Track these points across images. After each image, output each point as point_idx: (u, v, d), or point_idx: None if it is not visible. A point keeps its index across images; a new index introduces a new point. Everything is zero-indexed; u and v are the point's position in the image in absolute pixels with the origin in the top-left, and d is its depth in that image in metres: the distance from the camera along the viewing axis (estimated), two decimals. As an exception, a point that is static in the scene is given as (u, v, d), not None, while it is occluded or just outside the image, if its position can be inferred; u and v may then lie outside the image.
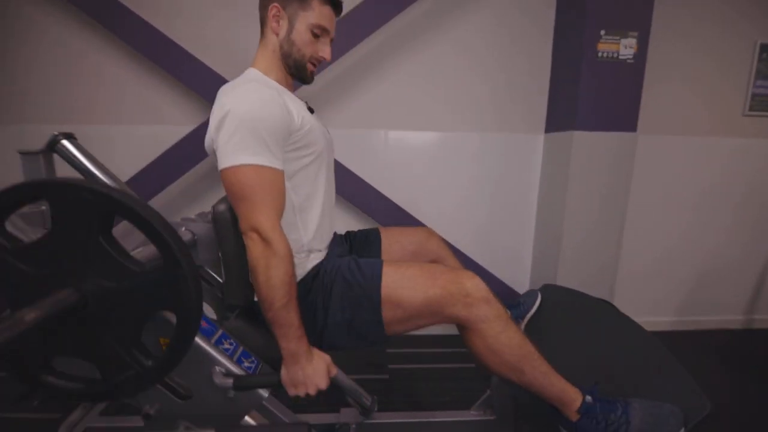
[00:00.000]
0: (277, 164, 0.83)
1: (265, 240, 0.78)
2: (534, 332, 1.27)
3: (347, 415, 1.37)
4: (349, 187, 1.92)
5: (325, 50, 0.99)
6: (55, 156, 1.00)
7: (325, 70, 1.87)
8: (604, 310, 1.17)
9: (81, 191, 0.55)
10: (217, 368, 0.78)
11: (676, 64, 2.05)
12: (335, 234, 1.16)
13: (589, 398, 0.89)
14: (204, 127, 1.78)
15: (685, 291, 2.32)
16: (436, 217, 2.06)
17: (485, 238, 2.18)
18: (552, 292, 1.39)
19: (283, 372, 0.82)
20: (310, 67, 0.99)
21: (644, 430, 0.83)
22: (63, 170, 0.96)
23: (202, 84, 1.77)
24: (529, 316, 1.35)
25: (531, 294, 1.40)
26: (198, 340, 0.79)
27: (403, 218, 1.98)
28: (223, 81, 1.76)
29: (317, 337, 0.92)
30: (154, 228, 0.57)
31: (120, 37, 1.74)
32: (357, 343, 0.93)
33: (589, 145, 1.80)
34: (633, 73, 1.75)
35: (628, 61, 1.74)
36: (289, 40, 0.95)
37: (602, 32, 1.71)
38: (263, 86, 0.88)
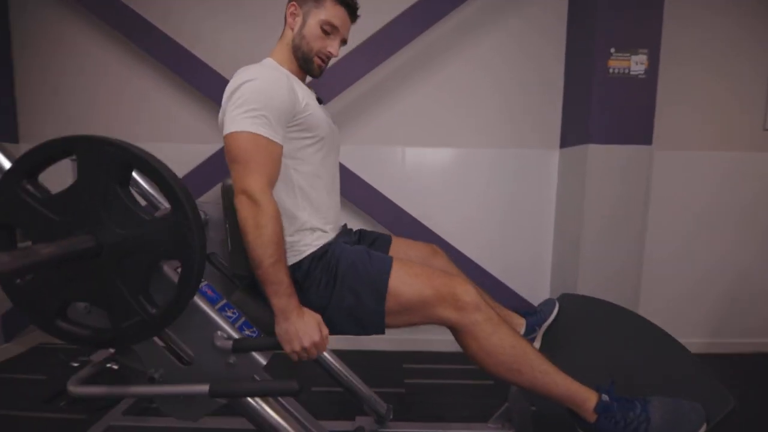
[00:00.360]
0: (275, 137, 0.88)
1: (253, 201, 0.82)
2: (552, 340, 1.25)
3: (363, 423, 1.37)
4: (367, 199, 1.99)
5: (333, 46, 1.04)
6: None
7: (349, 90, 1.98)
8: (622, 313, 1.16)
9: (104, 145, 0.65)
10: (219, 333, 0.81)
11: (696, 83, 2.09)
12: (347, 227, 1.21)
13: (605, 397, 0.87)
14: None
15: (719, 312, 2.22)
16: (452, 231, 2.08)
17: (502, 251, 2.18)
18: (570, 301, 1.38)
19: (277, 329, 0.84)
20: (317, 60, 1.04)
21: (665, 428, 0.80)
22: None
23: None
24: (546, 324, 1.33)
25: (548, 302, 1.38)
26: (202, 305, 0.83)
27: (419, 231, 2.01)
28: None
29: (320, 309, 0.94)
30: (164, 178, 0.66)
31: (156, 59, 1.94)
32: (355, 329, 0.95)
33: (604, 158, 1.81)
34: (645, 88, 1.78)
35: (640, 76, 1.78)
36: (300, 34, 1.02)
37: (612, 50, 1.76)
38: (274, 70, 0.96)
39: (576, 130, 1.96)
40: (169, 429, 1.19)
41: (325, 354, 1.39)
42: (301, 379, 0.79)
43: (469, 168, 2.15)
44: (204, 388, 0.76)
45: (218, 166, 1.92)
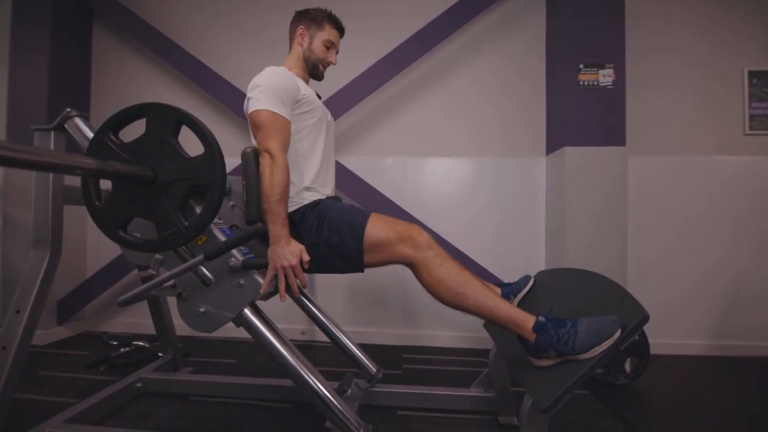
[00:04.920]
0: (284, 113, 1.19)
1: (272, 156, 1.12)
2: (527, 307, 1.40)
3: (355, 381, 1.52)
4: (371, 199, 2.24)
5: (332, 57, 1.42)
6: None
7: (355, 109, 2.31)
8: (583, 274, 1.30)
9: (165, 108, 0.99)
10: (233, 259, 1.09)
11: (679, 89, 2.30)
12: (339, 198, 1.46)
13: (542, 318, 1.03)
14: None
15: (715, 315, 2.24)
16: (453, 233, 2.28)
17: (499, 254, 2.34)
18: (545, 275, 1.53)
19: (269, 251, 1.09)
20: (321, 68, 1.42)
21: (588, 336, 0.95)
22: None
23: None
24: (521, 294, 1.48)
25: (525, 277, 1.54)
26: (221, 237, 1.11)
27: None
28: None
29: (311, 250, 1.16)
30: (202, 130, 0.98)
31: (193, 81, 2.36)
32: (340, 264, 1.17)
33: (579, 158, 2.01)
34: (614, 97, 2.01)
35: (608, 87, 2.01)
36: (309, 49, 1.39)
37: (581, 66, 2.02)
38: (281, 70, 1.28)
39: (556, 137, 2.18)
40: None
41: (327, 323, 1.59)
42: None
43: (467, 176, 2.40)
44: (200, 258, 1.02)
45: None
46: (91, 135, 1.19)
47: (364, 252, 1.14)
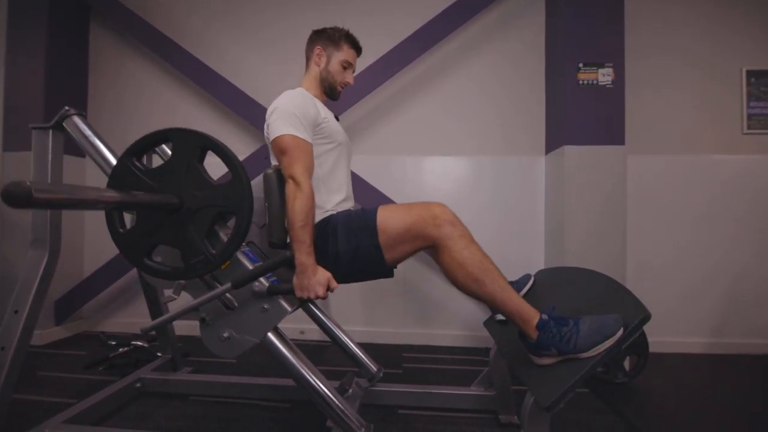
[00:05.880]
0: (307, 137, 1.19)
1: (296, 183, 1.10)
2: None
3: (356, 380, 1.52)
4: (374, 203, 2.23)
5: (349, 77, 1.42)
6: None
7: (355, 108, 2.31)
8: (583, 272, 1.30)
9: (190, 134, 0.96)
10: (257, 284, 1.07)
11: (678, 88, 2.30)
12: None
13: (545, 316, 1.03)
14: (255, 156, 2.28)
15: (719, 312, 2.25)
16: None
17: (499, 252, 2.32)
18: (545, 274, 1.53)
19: (294, 279, 1.08)
20: (338, 88, 1.41)
21: (590, 335, 0.95)
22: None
23: (258, 119, 2.30)
24: (522, 293, 1.48)
25: (525, 276, 1.55)
26: (246, 262, 1.09)
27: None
28: None
29: (333, 269, 1.14)
30: (229, 156, 0.96)
31: (201, 86, 2.35)
32: (365, 268, 1.15)
33: (579, 157, 2.01)
34: (614, 95, 2.01)
35: (608, 86, 2.01)
36: (327, 69, 1.38)
37: (580, 65, 2.02)
38: (300, 94, 1.28)
39: (556, 136, 2.18)
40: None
41: (328, 322, 1.59)
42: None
43: (466, 175, 2.39)
44: (227, 285, 0.99)
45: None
46: (89, 133, 1.18)
47: (383, 249, 1.12)
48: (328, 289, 1.09)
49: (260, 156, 2.26)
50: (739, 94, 2.28)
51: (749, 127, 2.27)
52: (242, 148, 2.43)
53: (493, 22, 2.39)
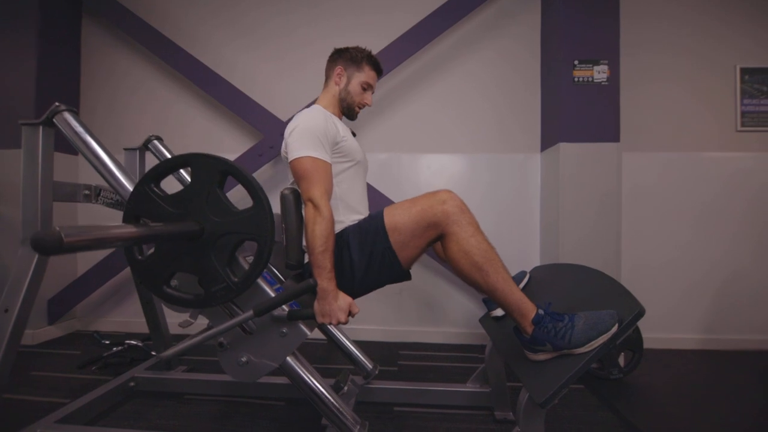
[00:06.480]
0: (326, 158, 1.18)
1: (315, 206, 1.10)
2: None
3: (351, 378, 1.51)
4: (369, 201, 2.22)
5: (368, 98, 1.41)
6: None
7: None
8: (577, 269, 1.31)
9: (210, 159, 0.93)
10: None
11: (672, 85, 2.31)
12: None
13: (541, 311, 1.03)
14: (249, 154, 2.27)
15: (712, 308, 2.27)
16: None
17: (494, 246, 2.34)
18: (541, 270, 1.54)
19: (315, 305, 1.08)
20: (356, 109, 1.41)
21: (585, 331, 0.95)
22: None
23: (253, 116, 2.29)
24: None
25: (521, 273, 1.55)
26: (265, 286, 1.07)
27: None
28: (269, 114, 2.29)
29: (350, 280, 1.15)
30: (250, 182, 0.92)
31: (197, 84, 2.33)
32: (381, 270, 1.14)
33: (574, 154, 2.01)
34: (609, 93, 2.01)
35: (603, 83, 2.02)
36: (346, 90, 1.37)
37: (576, 62, 2.03)
38: (321, 112, 1.27)
39: (551, 133, 2.18)
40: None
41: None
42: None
43: (461, 172, 2.39)
44: (249, 314, 0.97)
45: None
46: (80, 129, 1.15)
47: (395, 250, 1.12)
48: (350, 314, 1.08)
49: (254, 153, 2.25)
50: (733, 91, 2.29)
51: (743, 125, 2.28)
52: (236, 146, 2.42)
53: (489, 19, 2.39)
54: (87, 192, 1.42)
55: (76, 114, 1.19)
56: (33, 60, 2.25)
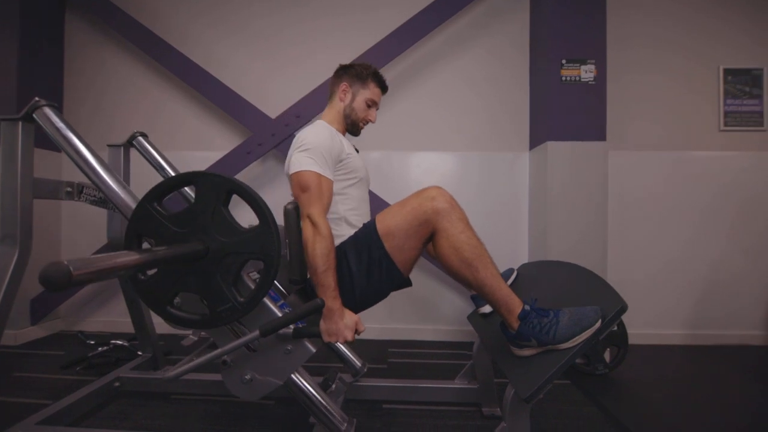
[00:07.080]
0: (329, 175, 1.18)
1: (314, 224, 1.08)
2: None
3: (340, 376, 1.51)
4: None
5: (372, 115, 1.41)
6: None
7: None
8: (564, 266, 1.33)
9: (215, 178, 0.91)
10: None
11: (656, 85, 2.35)
12: None
13: (527, 307, 1.04)
14: (236, 151, 2.25)
15: (695, 304, 2.32)
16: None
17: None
18: (528, 267, 1.55)
19: (321, 324, 1.06)
20: (361, 126, 1.41)
21: (570, 326, 0.96)
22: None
23: (242, 114, 2.27)
24: (505, 287, 1.50)
25: (509, 270, 1.56)
26: (269, 303, 1.05)
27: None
28: (259, 112, 2.27)
29: (351, 292, 1.14)
30: (256, 201, 0.90)
31: (187, 83, 2.29)
32: (378, 281, 1.13)
33: (562, 153, 2.03)
34: (596, 92, 2.04)
35: (590, 83, 2.04)
36: (351, 106, 1.37)
37: (563, 61, 2.04)
38: (325, 128, 1.27)
39: (539, 131, 2.20)
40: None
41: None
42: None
43: (451, 170, 2.40)
44: (255, 334, 0.95)
45: (228, 167, 2.21)
46: (61, 125, 1.13)
47: (391, 255, 1.11)
48: (356, 332, 1.08)
49: (242, 151, 2.23)
50: (716, 91, 2.34)
51: (725, 124, 2.33)
52: (225, 144, 2.39)
53: (479, 17, 2.40)
54: (69, 189, 1.39)
55: (57, 110, 1.16)
56: (14, 56, 2.20)
